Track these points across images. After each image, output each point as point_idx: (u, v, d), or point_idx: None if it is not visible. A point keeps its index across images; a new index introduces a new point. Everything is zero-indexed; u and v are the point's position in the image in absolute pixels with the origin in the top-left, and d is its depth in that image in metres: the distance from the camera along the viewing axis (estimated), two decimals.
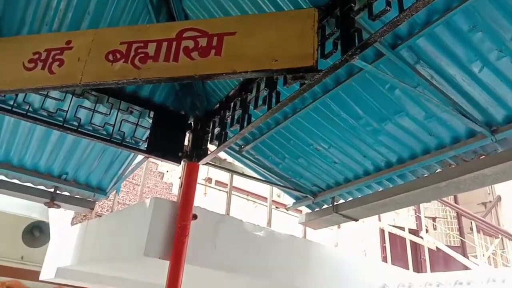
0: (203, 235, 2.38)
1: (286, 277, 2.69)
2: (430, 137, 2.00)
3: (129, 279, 3.28)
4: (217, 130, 2.27)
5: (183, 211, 2.25)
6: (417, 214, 4.83)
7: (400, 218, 4.79)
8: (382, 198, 2.34)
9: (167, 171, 6.02)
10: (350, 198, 2.59)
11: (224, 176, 4.86)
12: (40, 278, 3.24)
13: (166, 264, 2.14)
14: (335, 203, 2.64)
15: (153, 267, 2.45)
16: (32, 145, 2.51)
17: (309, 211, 2.90)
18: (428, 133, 1.97)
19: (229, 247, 2.46)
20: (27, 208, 4.71)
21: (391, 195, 2.29)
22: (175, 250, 2.12)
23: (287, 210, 3.52)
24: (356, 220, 2.69)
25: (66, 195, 2.83)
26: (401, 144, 2.10)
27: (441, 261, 4.76)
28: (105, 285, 3.29)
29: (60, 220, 3.42)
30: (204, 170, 4.93)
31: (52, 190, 2.78)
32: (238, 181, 5.95)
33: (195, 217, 2.31)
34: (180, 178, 2.60)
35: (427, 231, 4.90)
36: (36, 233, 7.13)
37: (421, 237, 4.37)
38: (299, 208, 3.12)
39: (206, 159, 2.36)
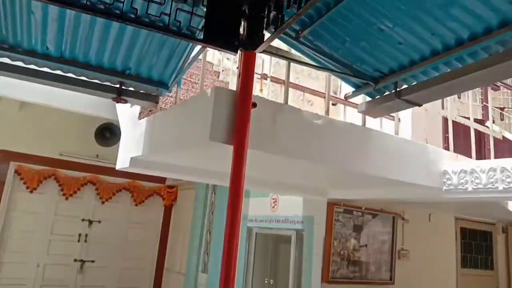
0: (263, 122, 2.44)
1: (345, 163, 2.76)
2: (509, 6, 1.80)
3: (195, 168, 3.53)
4: (272, 14, 2.20)
5: (243, 99, 2.29)
6: (484, 103, 4.60)
7: (466, 108, 4.60)
8: (449, 80, 2.23)
9: (222, 70, 6.06)
10: (415, 83, 2.49)
11: (279, 71, 4.82)
12: (117, 167, 3.56)
13: (230, 150, 2.24)
14: (397, 89, 2.55)
15: (218, 154, 2.59)
16: (94, 41, 2.58)
17: (369, 99, 2.84)
18: (508, 1, 1.77)
19: (288, 134, 2.52)
20: (97, 107, 5.04)
21: (460, 75, 2.17)
22: (237, 135, 2.21)
23: (346, 100, 3.48)
24: (420, 105, 2.60)
25: (131, 90, 2.96)
26: (475, 17, 1.92)
27: (506, 152, 4.61)
28: (174, 173, 3.57)
29: (128, 115, 3.64)
30: (259, 67, 4.90)
31: (118, 85, 2.92)
32: (293, 77, 5.84)
33: (254, 105, 2.36)
34: (237, 68, 2.60)
35: (493, 121, 4.69)
36: (107, 134, 7.65)
37: (487, 127, 4.21)
38: (358, 101, 3.07)
39: (263, 46, 2.32)
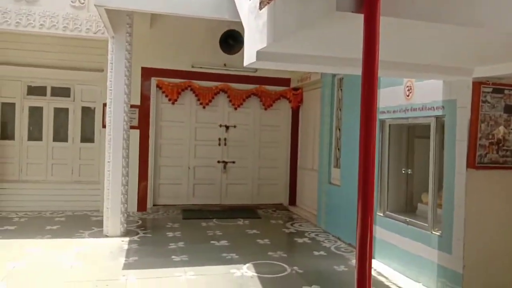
0: None
1: (503, 25, 2.32)
2: None
3: (321, 56, 3.39)
4: None
5: None
6: None
7: None
8: None
9: None
10: None
11: None
12: (244, 64, 3.62)
13: (360, 24, 2.05)
14: None
15: (346, 31, 2.41)
16: None
17: None
18: None
19: None
20: (218, 9, 5.11)
21: None
22: (367, 1, 1.99)
23: None
24: None
25: None
26: None
27: None
28: (300, 64, 3.49)
29: (249, 8, 3.59)
30: None
31: None
32: None
33: None
34: None
35: None
36: (230, 42, 7.82)
37: None
38: None
39: None
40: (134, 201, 7.97)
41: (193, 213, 7.88)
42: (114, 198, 6.15)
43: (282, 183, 8.86)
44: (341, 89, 6.82)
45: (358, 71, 2.13)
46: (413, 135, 5.33)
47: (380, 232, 5.41)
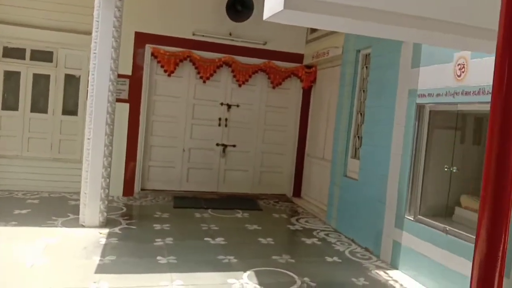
0: None
1: None
2: None
3: (381, 11, 2.41)
4: None
5: None
6: None
7: None
8: None
9: None
10: None
11: None
12: (264, 17, 2.63)
13: None
14: None
15: None
16: None
17: None
18: None
19: None
20: None
21: None
22: None
23: None
24: None
25: None
26: None
27: None
28: (348, 19, 2.51)
29: None
30: None
31: None
32: None
33: None
34: None
35: None
36: (238, 7, 6.81)
37: None
38: None
39: None
40: (120, 185, 7.04)
41: (186, 201, 6.96)
42: (93, 182, 5.21)
43: (287, 172, 7.94)
44: (366, 67, 5.84)
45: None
46: (463, 125, 4.38)
47: (407, 239, 4.52)
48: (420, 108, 4.51)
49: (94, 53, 5.15)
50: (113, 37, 5.17)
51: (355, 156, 5.93)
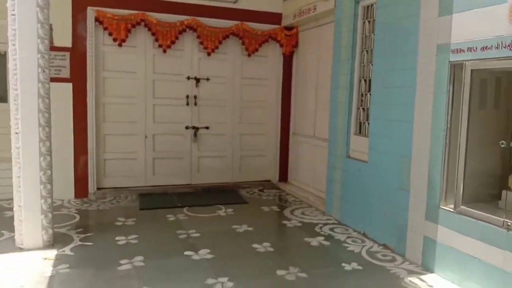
0: None
1: None
2: None
3: None
4: None
5: None
6: None
7: None
8: None
9: None
10: None
11: None
12: None
13: None
14: None
15: None
16: None
17: None
18: None
19: None
20: None
21: None
22: None
23: None
24: None
25: None
26: None
27: None
28: None
29: None
30: None
31: None
32: None
33: None
34: None
35: None
36: None
37: None
38: None
39: None
40: (70, 185, 5.70)
41: (154, 200, 5.74)
42: (29, 191, 3.88)
43: (270, 154, 6.84)
44: (368, 21, 4.73)
45: None
46: None
47: (445, 235, 3.58)
48: (455, 67, 3.48)
49: (13, 14, 3.72)
50: None
51: (360, 132, 4.89)
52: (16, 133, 3.85)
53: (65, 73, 5.53)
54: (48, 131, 3.94)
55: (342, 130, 5.06)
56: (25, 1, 3.71)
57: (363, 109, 4.84)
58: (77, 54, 5.58)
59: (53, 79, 5.43)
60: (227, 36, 6.23)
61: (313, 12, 5.67)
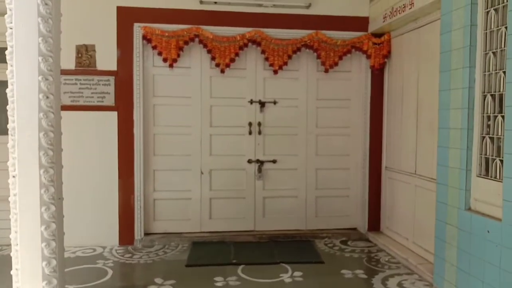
0: None
1: None
2: None
3: None
4: None
5: None
6: None
7: None
8: None
9: None
10: None
11: None
12: None
13: None
14: None
15: None
16: None
17: None
18: None
19: None
20: None
21: None
22: None
23: None
24: None
25: None
26: None
27: None
28: None
29: None
30: None
31: None
32: None
33: None
34: None
35: None
36: None
37: None
38: None
39: None
40: (114, 229, 4.89)
41: (208, 251, 4.66)
42: (26, 250, 3.02)
43: (356, 195, 5.38)
44: (495, 10, 3.20)
45: None
46: None
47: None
48: None
49: (10, 28, 2.97)
50: None
51: (488, 173, 3.29)
52: (13, 177, 3.04)
53: (109, 100, 4.80)
54: (52, 174, 3.08)
55: (457, 169, 3.49)
56: (24, 10, 2.94)
57: (491, 138, 3.25)
58: (123, 78, 4.84)
59: (96, 108, 4.82)
60: (298, 49, 5.04)
61: (410, 8, 4.24)
